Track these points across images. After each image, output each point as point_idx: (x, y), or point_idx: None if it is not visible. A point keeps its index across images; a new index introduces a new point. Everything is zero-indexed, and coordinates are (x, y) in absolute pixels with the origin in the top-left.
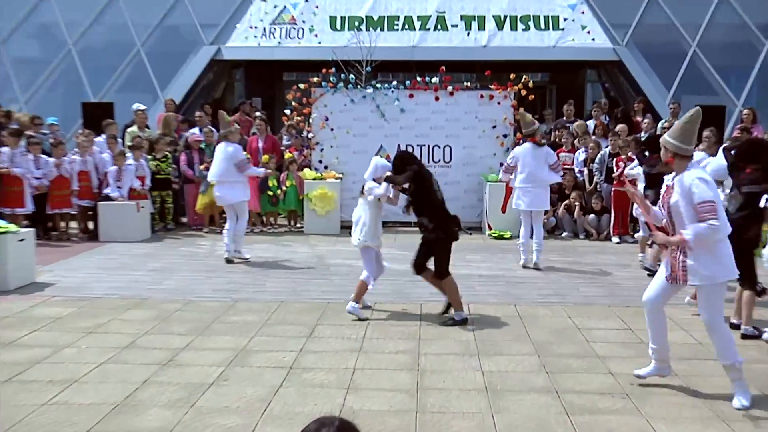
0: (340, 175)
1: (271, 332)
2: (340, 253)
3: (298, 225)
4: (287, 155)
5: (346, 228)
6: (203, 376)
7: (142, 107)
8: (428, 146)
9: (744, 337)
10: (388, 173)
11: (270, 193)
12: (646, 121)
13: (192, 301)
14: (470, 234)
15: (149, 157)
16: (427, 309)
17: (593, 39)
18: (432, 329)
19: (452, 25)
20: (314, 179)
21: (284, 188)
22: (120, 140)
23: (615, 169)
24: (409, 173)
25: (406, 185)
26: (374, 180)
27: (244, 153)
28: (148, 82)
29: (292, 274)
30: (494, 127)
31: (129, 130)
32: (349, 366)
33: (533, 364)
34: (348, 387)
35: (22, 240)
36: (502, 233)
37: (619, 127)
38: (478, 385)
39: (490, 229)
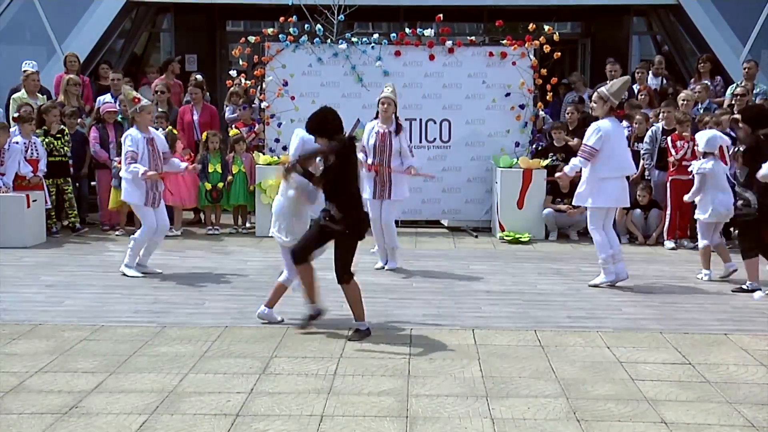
0: None
1: (212, 368)
2: None
3: (248, 224)
4: (232, 132)
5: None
6: (118, 428)
7: (32, 66)
8: (420, 121)
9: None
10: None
11: (208, 186)
12: (698, 87)
13: (103, 326)
14: (476, 236)
15: (39, 132)
16: (418, 336)
17: None
18: (425, 363)
19: None
20: (269, 164)
21: (229, 177)
22: (1, 110)
23: (674, 151)
24: (339, 144)
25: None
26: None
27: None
28: (40, 31)
29: (240, 290)
30: (508, 95)
31: (15, 96)
32: (315, 412)
33: (560, 410)
34: None
35: None
36: (518, 236)
37: (684, 94)
38: None
39: (503, 230)
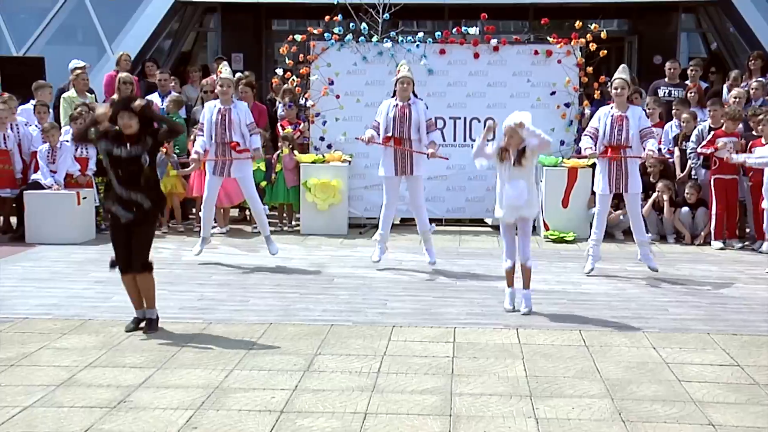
0: (348, 158)
1: (256, 364)
2: (346, 260)
3: (294, 223)
4: (287, 130)
5: (354, 227)
6: (165, 422)
7: (81, 64)
8: (464, 120)
9: None
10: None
11: None
12: (753, 84)
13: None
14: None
15: (92, 130)
16: (462, 334)
17: None
18: (468, 362)
19: None
20: (314, 162)
21: (273, 175)
22: (51, 109)
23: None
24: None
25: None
26: None
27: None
28: (91, 31)
29: (284, 287)
30: (553, 93)
31: (65, 95)
32: (358, 410)
33: (605, 410)
34: None
35: None
36: (563, 235)
37: (735, 92)
38: None
39: (547, 229)
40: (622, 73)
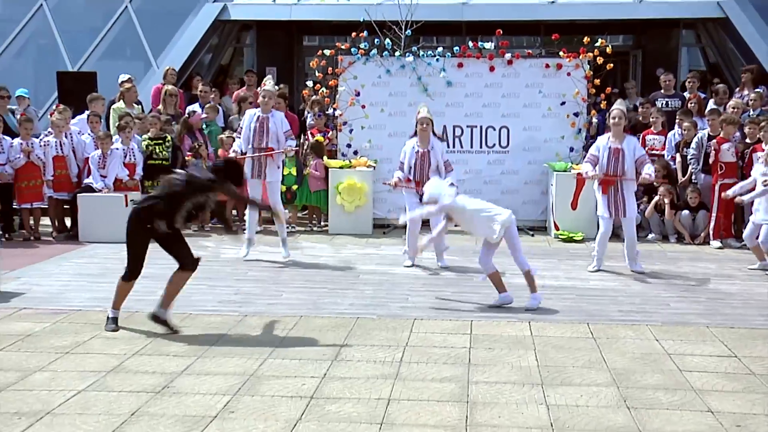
0: (373, 163)
1: (288, 354)
2: (371, 258)
3: (322, 223)
4: (319, 138)
5: (379, 227)
6: (205, 407)
7: (127, 77)
8: (480, 128)
9: None
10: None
11: (283, 188)
12: (752, 95)
13: (191, 315)
14: (532, 235)
15: (145, 137)
16: (478, 326)
17: None
18: (484, 352)
19: None
20: (341, 167)
21: (304, 172)
22: (103, 120)
23: (713, 154)
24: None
25: None
26: None
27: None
28: (138, 48)
29: (314, 283)
30: (563, 103)
31: (115, 106)
32: (382, 396)
33: (611, 398)
34: (381, 422)
35: None
36: (572, 235)
37: (733, 102)
38: (542, 421)
39: (557, 229)
40: (620, 104)
